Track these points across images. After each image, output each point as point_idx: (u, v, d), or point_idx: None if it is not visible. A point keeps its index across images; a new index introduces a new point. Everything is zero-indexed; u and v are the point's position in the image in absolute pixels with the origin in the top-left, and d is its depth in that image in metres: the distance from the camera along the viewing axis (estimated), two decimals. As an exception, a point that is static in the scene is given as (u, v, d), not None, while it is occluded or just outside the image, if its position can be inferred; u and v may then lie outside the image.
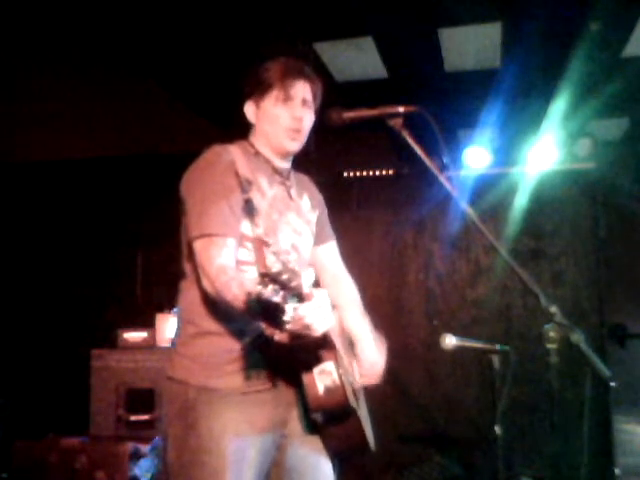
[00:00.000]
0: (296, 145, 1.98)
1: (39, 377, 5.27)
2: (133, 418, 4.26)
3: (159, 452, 3.90)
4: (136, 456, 3.92)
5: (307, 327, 1.54)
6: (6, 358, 5.20)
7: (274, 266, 1.43)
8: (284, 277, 1.41)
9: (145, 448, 3.96)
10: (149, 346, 4.50)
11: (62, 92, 4.45)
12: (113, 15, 3.58)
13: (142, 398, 4.25)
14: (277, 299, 1.39)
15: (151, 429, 4.14)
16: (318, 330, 1.57)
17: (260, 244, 1.82)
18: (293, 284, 1.43)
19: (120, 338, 4.54)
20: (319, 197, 2.20)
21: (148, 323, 4.66)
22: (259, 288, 1.39)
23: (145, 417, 4.24)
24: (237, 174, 1.85)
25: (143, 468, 3.89)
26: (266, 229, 1.86)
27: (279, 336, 1.74)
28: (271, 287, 1.39)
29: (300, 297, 1.47)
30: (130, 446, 3.92)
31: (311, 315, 1.52)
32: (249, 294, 1.45)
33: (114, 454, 3.90)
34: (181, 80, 4.44)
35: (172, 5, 3.51)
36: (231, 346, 1.83)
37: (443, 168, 1.73)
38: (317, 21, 3.75)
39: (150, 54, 4.05)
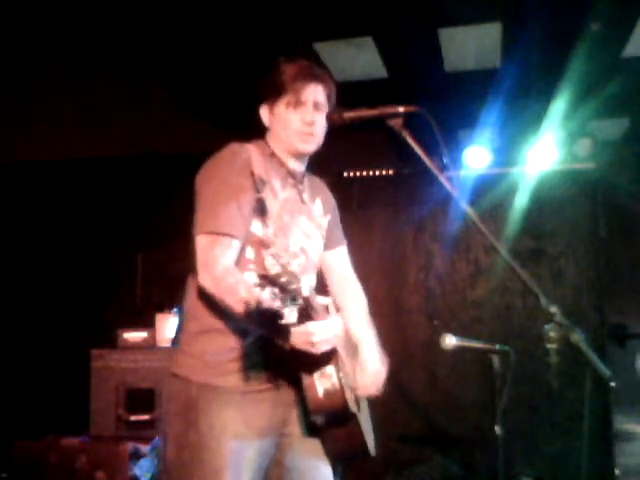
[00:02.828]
0: (310, 147, 1.98)
1: (39, 377, 5.26)
2: (133, 418, 4.26)
3: (159, 452, 3.90)
4: (136, 456, 3.91)
5: (311, 344, 1.60)
6: (6, 358, 5.20)
7: (273, 268, 1.42)
8: (283, 280, 1.41)
9: (145, 448, 3.96)
10: (149, 346, 4.49)
11: (62, 92, 4.45)
12: (113, 15, 3.58)
13: (142, 398, 4.24)
14: (276, 305, 1.40)
15: (151, 429, 4.12)
16: (319, 350, 1.63)
17: (259, 246, 1.82)
18: (292, 287, 1.43)
19: (120, 338, 4.53)
20: (332, 202, 2.20)
21: (148, 323, 4.65)
22: (257, 290, 1.39)
23: (145, 417, 4.23)
24: (252, 173, 1.86)
25: (143, 468, 3.89)
26: (276, 230, 1.87)
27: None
28: (269, 290, 1.39)
29: (297, 300, 1.47)
30: (130, 446, 3.91)
31: (319, 334, 1.58)
32: (248, 303, 1.46)
33: (114, 454, 3.90)
34: (181, 80, 4.44)
35: (172, 5, 3.51)
36: (233, 344, 1.83)
37: (443, 168, 1.72)
38: (317, 21, 3.75)
39: (150, 54, 4.05)
